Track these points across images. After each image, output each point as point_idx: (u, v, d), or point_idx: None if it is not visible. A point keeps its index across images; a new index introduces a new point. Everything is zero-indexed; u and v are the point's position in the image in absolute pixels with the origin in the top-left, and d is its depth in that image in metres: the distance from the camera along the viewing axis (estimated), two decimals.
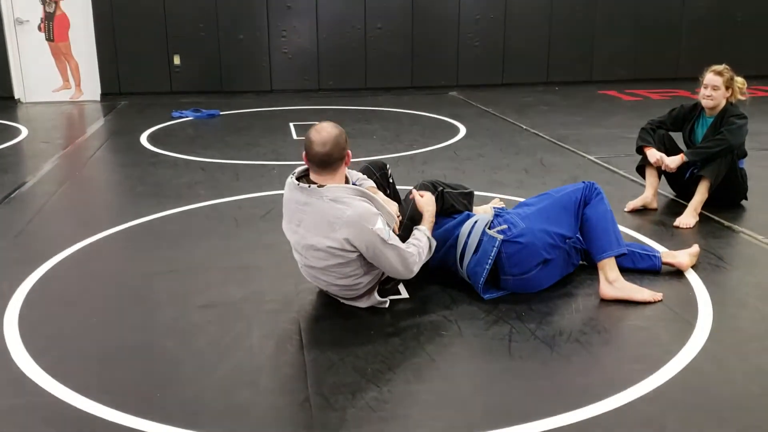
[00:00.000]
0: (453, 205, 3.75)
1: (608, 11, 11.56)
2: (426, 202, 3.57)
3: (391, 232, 3.23)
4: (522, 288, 3.59)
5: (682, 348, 3.04)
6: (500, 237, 3.47)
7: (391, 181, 3.78)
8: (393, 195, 3.72)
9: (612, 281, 3.55)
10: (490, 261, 3.48)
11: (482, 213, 3.82)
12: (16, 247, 4.42)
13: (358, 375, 2.87)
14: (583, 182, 3.71)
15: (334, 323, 3.34)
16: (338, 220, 3.15)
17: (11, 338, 3.20)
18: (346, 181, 3.36)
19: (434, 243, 3.49)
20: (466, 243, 3.58)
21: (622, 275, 3.61)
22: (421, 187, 3.70)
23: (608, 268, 3.56)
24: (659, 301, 3.50)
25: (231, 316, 3.40)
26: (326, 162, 3.24)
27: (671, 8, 11.75)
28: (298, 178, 3.36)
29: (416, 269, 3.34)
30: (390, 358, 2.99)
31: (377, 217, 3.18)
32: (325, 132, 3.23)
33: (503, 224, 3.53)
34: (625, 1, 11.57)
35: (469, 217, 3.71)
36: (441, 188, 3.73)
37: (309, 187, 3.23)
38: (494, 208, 3.81)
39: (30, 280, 3.85)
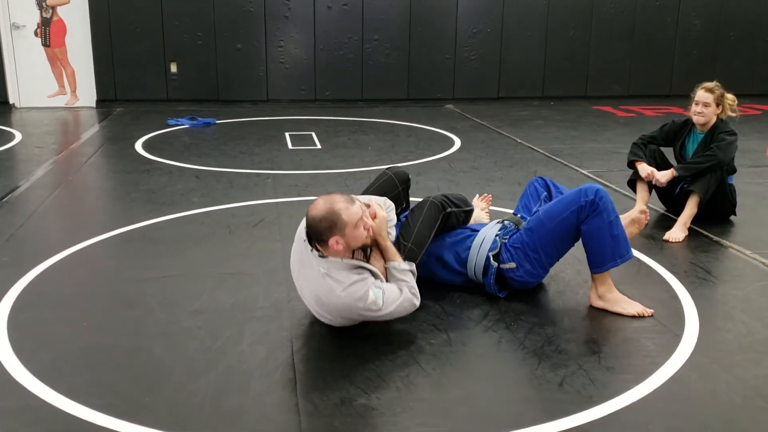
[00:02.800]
0: (453, 224, 3.78)
1: (603, 28, 11.66)
2: (380, 225, 3.33)
3: (384, 294, 3.15)
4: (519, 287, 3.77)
5: (668, 359, 3.07)
6: (509, 266, 3.64)
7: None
8: (407, 206, 3.78)
9: (601, 295, 3.59)
10: (494, 287, 3.69)
11: (482, 221, 4.06)
12: (6, 250, 4.42)
13: (347, 382, 2.88)
14: (582, 196, 3.49)
15: (325, 330, 3.35)
16: (329, 300, 3.11)
17: (0, 341, 3.20)
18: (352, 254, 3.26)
19: (414, 269, 3.39)
20: (475, 263, 3.70)
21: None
22: (430, 206, 3.62)
23: (598, 282, 3.59)
24: (650, 316, 3.52)
25: (222, 322, 3.42)
26: (308, 236, 3.17)
27: (665, 26, 11.85)
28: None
29: (417, 302, 3.30)
30: (379, 366, 3.01)
31: (369, 290, 3.11)
32: (313, 210, 3.10)
33: (511, 262, 3.62)
34: (620, 18, 11.66)
35: (469, 234, 3.78)
36: (449, 209, 3.70)
37: (311, 250, 3.16)
38: (501, 222, 3.81)
39: (20, 283, 3.85)
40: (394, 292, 3.21)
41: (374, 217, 3.27)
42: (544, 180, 4.16)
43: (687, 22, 11.87)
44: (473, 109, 10.63)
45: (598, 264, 3.55)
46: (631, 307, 3.54)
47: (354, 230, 3.09)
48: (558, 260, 3.72)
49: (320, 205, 3.09)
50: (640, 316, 3.50)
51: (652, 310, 3.53)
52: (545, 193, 4.08)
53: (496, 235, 3.69)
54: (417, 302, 3.30)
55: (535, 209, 3.98)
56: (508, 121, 9.62)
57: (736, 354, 3.16)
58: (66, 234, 4.80)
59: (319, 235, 3.08)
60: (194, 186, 6.02)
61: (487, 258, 3.64)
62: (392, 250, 3.36)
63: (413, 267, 3.38)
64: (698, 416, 2.68)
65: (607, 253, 3.51)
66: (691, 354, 3.13)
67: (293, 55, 10.98)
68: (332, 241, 3.07)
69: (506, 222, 3.80)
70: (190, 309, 3.55)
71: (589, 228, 3.49)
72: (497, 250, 3.63)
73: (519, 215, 3.99)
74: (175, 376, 2.94)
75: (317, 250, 3.17)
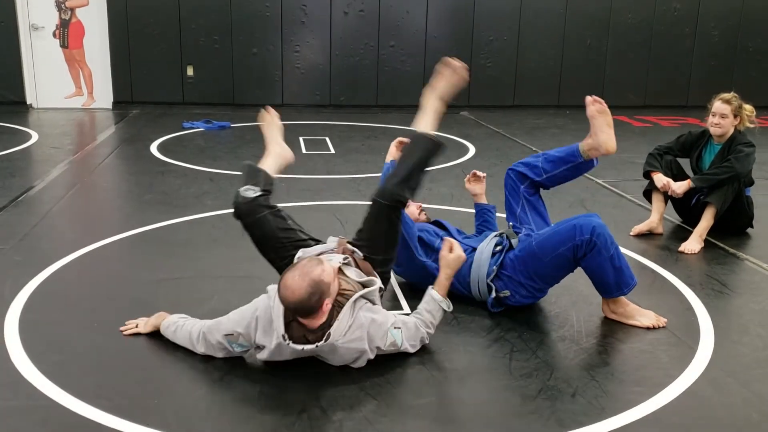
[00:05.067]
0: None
1: (620, 37, 11.60)
2: (454, 260, 3.27)
3: (401, 332, 3.04)
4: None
5: (683, 372, 3.03)
6: (504, 294, 3.56)
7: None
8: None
9: (613, 310, 3.55)
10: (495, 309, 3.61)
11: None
12: (20, 250, 4.43)
13: (356, 388, 2.86)
14: (578, 234, 3.34)
15: None
16: (359, 356, 2.96)
17: (11, 340, 3.20)
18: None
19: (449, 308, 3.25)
20: (478, 287, 3.64)
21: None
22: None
23: (610, 301, 3.54)
24: (662, 327, 3.47)
25: None
26: (296, 318, 2.85)
27: (683, 36, 11.78)
28: (289, 335, 2.84)
29: (428, 339, 3.20)
30: (389, 373, 2.98)
31: (388, 330, 2.99)
32: (293, 294, 2.74)
33: (506, 290, 3.54)
34: (637, 27, 11.61)
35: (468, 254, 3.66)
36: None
37: (316, 347, 2.84)
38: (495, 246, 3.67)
39: (33, 283, 3.86)
40: (411, 328, 3.11)
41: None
42: (516, 170, 3.88)
43: (705, 32, 11.79)
44: (488, 117, 10.60)
45: (603, 293, 3.51)
46: (645, 318, 3.50)
47: (335, 284, 2.90)
48: (557, 283, 3.63)
49: (299, 284, 2.74)
50: (655, 328, 3.46)
51: (665, 320, 3.50)
52: (522, 186, 3.85)
53: (491, 259, 3.59)
54: (427, 339, 3.21)
55: (518, 210, 3.83)
56: (524, 129, 9.59)
57: (753, 368, 3.12)
58: (79, 234, 4.81)
59: (311, 309, 2.78)
60: (208, 189, 6.03)
61: (487, 284, 3.58)
62: (446, 284, 3.26)
63: (450, 307, 3.24)
64: (713, 431, 2.64)
65: (611, 284, 3.43)
66: (706, 367, 3.09)
67: (309, 60, 11.00)
68: (324, 306, 2.81)
69: (500, 237, 3.69)
70: (201, 311, 3.53)
71: (588, 265, 3.40)
72: (493, 275, 3.56)
73: (511, 224, 3.86)
74: (185, 379, 2.93)
75: (310, 335, 2.85)
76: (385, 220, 3.30)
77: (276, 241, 3.36)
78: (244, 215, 3.35)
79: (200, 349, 3.07)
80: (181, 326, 3.16)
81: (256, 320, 2.90)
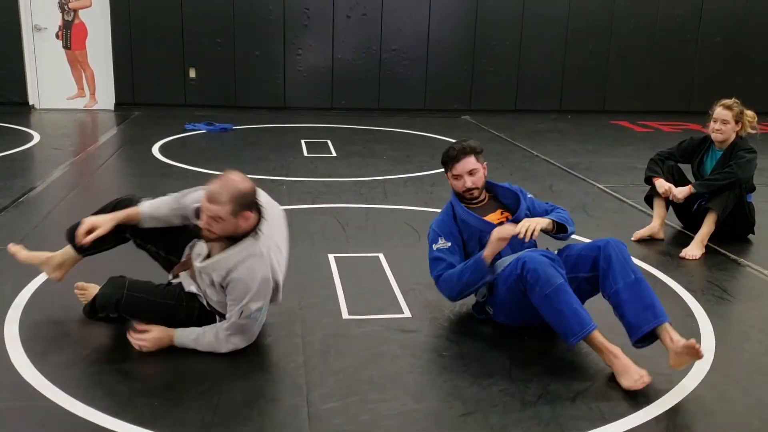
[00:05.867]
0: None
1: (622, 43, 11.60)
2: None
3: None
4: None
5: (683, 378, 3.03)
6: (489, 309, 3.51)
7: None
8: None
9: (607, 362, 3.03)
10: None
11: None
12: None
13: (356, 391, 2.86)
14: (514, 269, 3.15)
15: (336, 339, 3.33)
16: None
17: (11, 342, 3.20)
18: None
19: None
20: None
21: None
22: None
23: (601, 353, 3.05)
24: (640, 388, 2.89)
25: None
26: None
27: (685, 42, 11.78)
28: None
29: None
30: (390, 376, 2.99)
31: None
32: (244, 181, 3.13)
33: (491, 307, 3.47)
34: (640, 33, 11.61)
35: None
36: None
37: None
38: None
39: (33, 284, 3.86)
40: None
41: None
42: (602, 252, 3.24)
43: (707, 38, 11.80)
44: (490, 121, 10.60)
45: (563, 339, 3.11)
46: (627, 377, 2.93)
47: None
48: (528, 321, 3.39)
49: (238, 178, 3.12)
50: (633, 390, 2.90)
51: (648, 380, 2.90)
52: (586, 273, 3.32)
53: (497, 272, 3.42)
54: None
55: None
56: (525, 134, 9.59)
57: (753, 374, 3.12)
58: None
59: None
60: None
61: (483, 295, 3.50)
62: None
63: None
64: None
65: (559, 329, 3.07)
66: (706, 374, 3.08)
67: (311, 63, 11.01)
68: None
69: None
70: None
71: (533, 302, 3.10)
72: (485, 291, 3.47)
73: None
74: (185, 382, 2.92)
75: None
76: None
77: (156, 294, 3.33)
78: (114, 296, 3.27)
79: (228, 347, 3.13)
80: (201, 334, 3.15)
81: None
